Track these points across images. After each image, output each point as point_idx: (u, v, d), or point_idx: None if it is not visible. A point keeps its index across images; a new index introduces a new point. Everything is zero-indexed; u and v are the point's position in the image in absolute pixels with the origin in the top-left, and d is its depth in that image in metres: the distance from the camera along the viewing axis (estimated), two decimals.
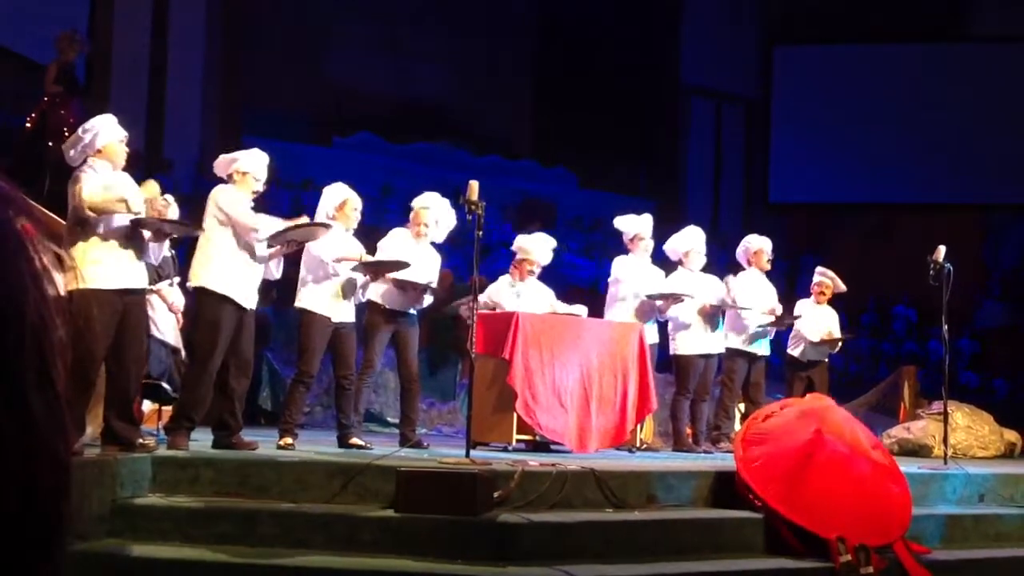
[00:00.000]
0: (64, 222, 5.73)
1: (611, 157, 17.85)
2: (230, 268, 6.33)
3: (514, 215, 15.51)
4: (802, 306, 9.49)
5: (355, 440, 7.03)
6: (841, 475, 6.27)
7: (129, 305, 5.80)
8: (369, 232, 7.88)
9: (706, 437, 8.85)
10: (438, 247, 7.80)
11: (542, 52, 19.00)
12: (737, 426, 8.48)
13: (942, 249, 7.95)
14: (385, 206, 13.46)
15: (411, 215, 7.70)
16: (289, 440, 6.77)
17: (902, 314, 17.20)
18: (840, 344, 9.74)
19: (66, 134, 7.30)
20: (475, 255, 6.54)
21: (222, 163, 6.66)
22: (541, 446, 7.76)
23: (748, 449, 6.38)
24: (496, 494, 5.49)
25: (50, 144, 9.14)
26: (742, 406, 9.11)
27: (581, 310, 8.42)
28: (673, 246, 8.98)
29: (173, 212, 7.10)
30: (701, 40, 18.63)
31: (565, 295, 9.05)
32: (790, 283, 12.61)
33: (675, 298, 8.56)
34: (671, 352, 8.91)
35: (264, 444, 6.58)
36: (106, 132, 5.91)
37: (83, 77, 11.28)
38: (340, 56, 17.20)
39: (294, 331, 7.50)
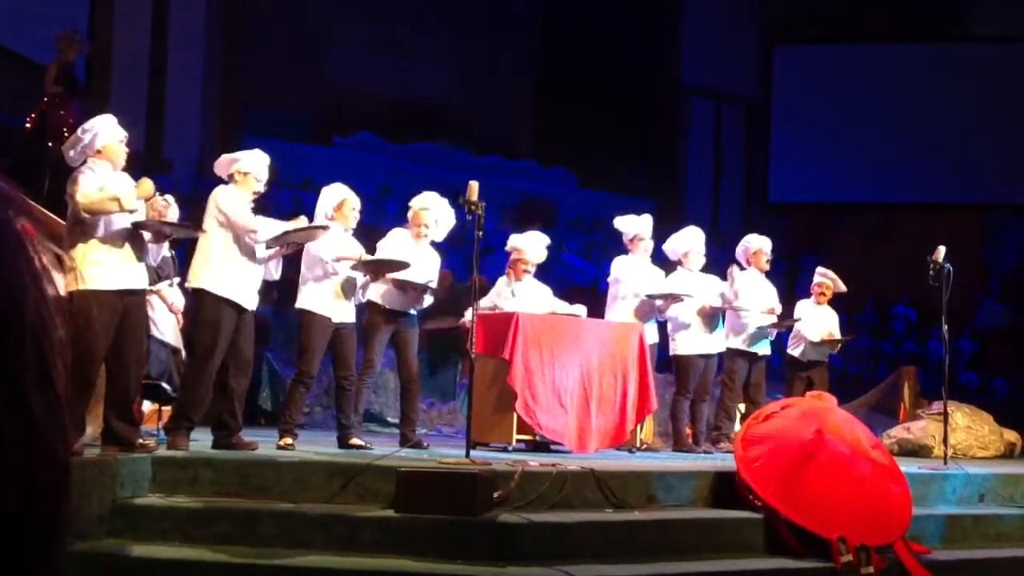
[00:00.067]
0: (64, 222, 5.73)
1: (611, 157, 17.84)
2: (230, 269, 6.33)
3: (514, 215, 15.50)
4: (802, 306, 9.49)
5: (355, 440, 7.03)
6: (841, 475, 6.27)
7: (129, 305, 5.80)
8: (369, 232, 7.89)
9: (706, 437, 8.85)
10: (438, 247, 7.80)
11: (542, 52, 18.99)
12: (737, 426, 8.48)
13: (942, 249, 7.95)
14: (385, 206, 13.45)
15: (410, 215, 7.70)
16: (289, 440, 6.77)
17: (902, 314, 17.20)
18: (840, 344, 9.75)
19: (66, 134, 7.30)
20: (475, 255, 6.54)
21: (223, 163, 6.66)
22: (541, 446, 7.76)
23: (748, 449, 6.38)
24: (496, 494, 5.49)
25: (50, 144, 9.14)
26: (742, 406, 9.11)
27: (581, 310, 8.42)
28: (673, 246, 8.99)
29: (173, 212, 7.10)
30: (701, 40, 18.62)
31: (565, 295, 9.05)
32: (790, 283, 12.60)
33: (674, 298, 8.56)
34: (671, 352, 8.91)
35: (264, 444, 6.58)
36: (106, 132, 5.91)
37: (83, 77, 11.28)
38: (340, 56, 17.20)
39: (294, 331, 7.51)
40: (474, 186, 6.42)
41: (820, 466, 6.25)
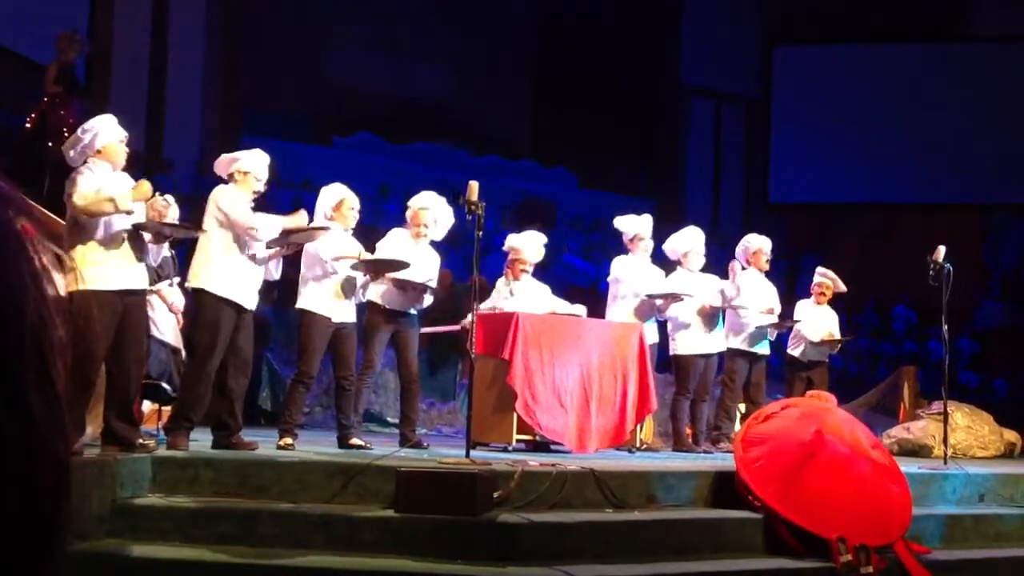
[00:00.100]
0: (64, 222, 5.73)
1: (611, 157, 17.84)
2: (230, 269, 6.33)
3: (514, 215, 15.50)
4: (802, 306, 9.49)
5: (355, 440, 7.03)
6: (841, 475, 6.27)
7: (129, 306, 5.80)
8: (368, 232, 7.89)
9: (706, 437, 8.85)
10: (437, 247, 7.80)
11: (542, 52, 18.99)
12: (737, 426, 8.48)
13: (942, 249, 7.95)
14: (384, 206, 13.46)
15: (409, 215, 7.69)
16: (289, 440, 6.77)
17: (902, 314, 17.20)
18: (840, 344, 9.75)
19: (66, 134, 7.30)
20: (475, 255, 6.54)
21: (223, 163, 6.66)
22: (541, 446, 7.76)
23: (748, 450, 6.38)
24: (496, 494, 5.49)
25: (50, 144, 9.14)
26: (743, 406, 9.11)
27: (580, 310, 8.42)
28: (672, 246, 8.99)
29: (173, 212, 7.10)
30: (701, 40, 18.63)
31: (565, 295, 9.05)
32: (790, 283, 12.60)
33: (675, 297, 8.56)
34: (671, 352, 8.91)
35: (264, 444, 6.58)
36: (106, 132, 5.91)
37: (83, 77, 11.28)
38: (340, 56, 17.20)
39: (294, 331, 7.51)
40: (474, 186, 6.42)
41: (820, 466, 6.24)
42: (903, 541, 6.06)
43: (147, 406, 7.16)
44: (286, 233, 6.59)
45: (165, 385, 6.88)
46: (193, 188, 11.61)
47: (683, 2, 18.87)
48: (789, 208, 18.62)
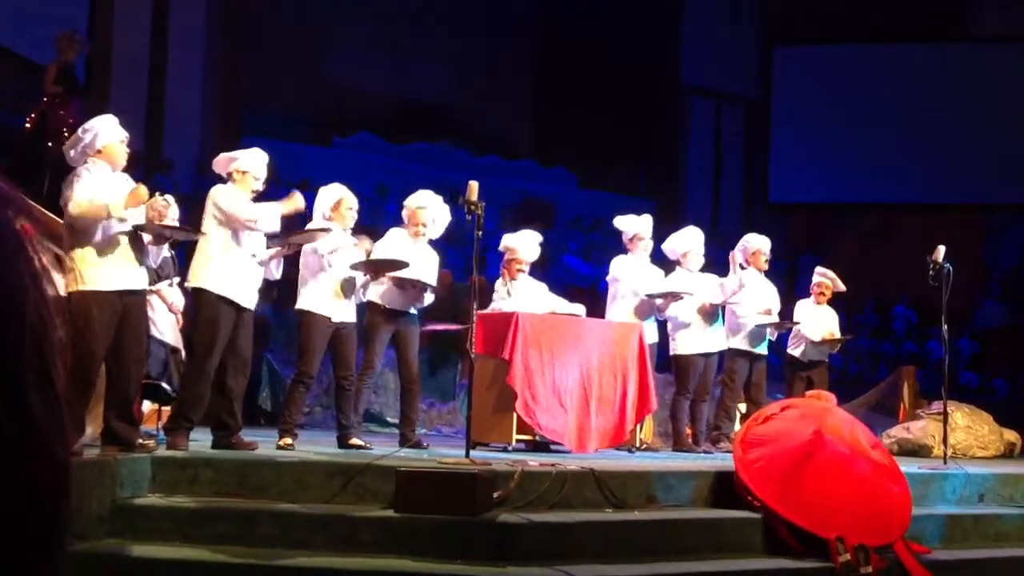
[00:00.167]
0: (63, 222, 5.73)
1: (611, 157, 17.84)
2: (229, 268, 6.34)
3: (514, 215, 15.50)
4: (802, 306, 9.49)
5: (355, 440, 7.03)
6: (841, 475, 6.27)
7: (129, 306, 5.80)
8: (368, 232, 7.89)
9: (706, 437, 8.85)
10: (436, 247, 7.80)
11: (542, 52, 18.99)
12: (737, 426, 8.48)
13: (942, 249, 7.95)
14: (384, 207, 13.45)
15: (407, 215, 7.68)
16: (289, 440, 6.77)
17: (902, 314, 17.20)
18: (841, 344, 9.75)
19: (66, 134, 7.30)
20: (475, 255, 6.54)
21: (221, 161, 6.67)
22: (541, 446, 7.76)
23: (747, 451, 6.38)
24: (496, 494, 5.49)
25: (50, 144, 9.14)
26: (743, 406, 9.11)
27: (580, 309, 8.42)
28: (672, 246, 8.99)
29: (173, 212, 7.09)
30: (701, 40, 18.63)
31: (565, 295, 9.05)
32: (790, 283, 12.60)
33: (675, 296, 8.56)
34: (671, 352, 8.91)
35: (264, 444, 6.58)
36: (106, 132, 5.91)
37: (83, 77, 11.28)
38: (340, 56, 17.20)
39: (294, 331, 7.51)
40: (474, 186, 6.43)
41: (819, 466, 6.24)
42: (903, 541, 6.06)
43: (147, 406, 7.16)
44: (287, 234, 6.60)
45: (165, 385, 6.88)
46: (193, 188, 11.60)
47: (683, 2, 18.87)
48: (789, 208, 18.62)
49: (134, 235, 5.86)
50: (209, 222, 6.39)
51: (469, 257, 7.87)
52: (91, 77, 12.74)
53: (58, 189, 6.05)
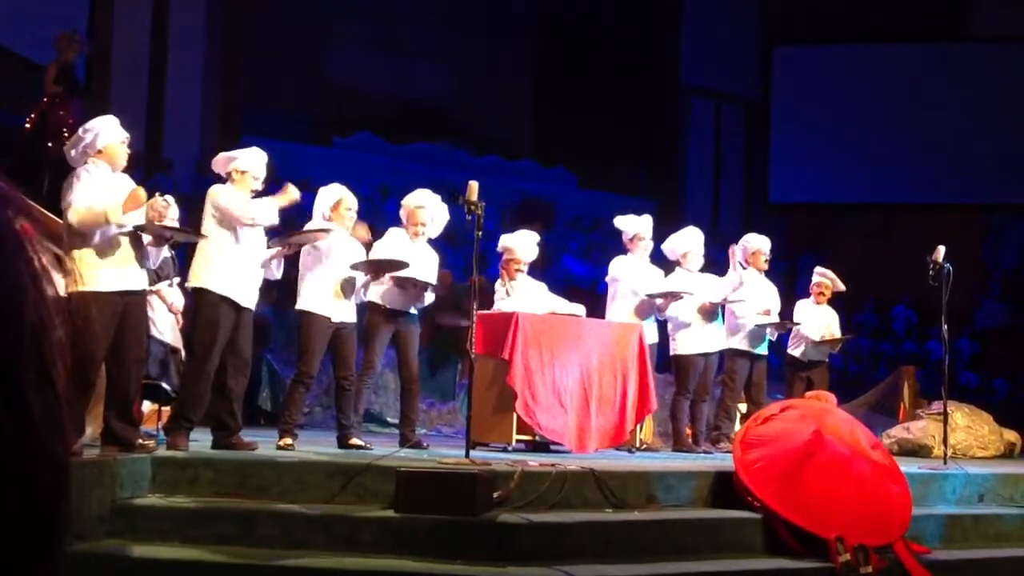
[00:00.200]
0: (63, 222, 5.73)
1: (611, 157, 17.84)
2: (228, 267, 6.34)
3: (514, 215, 15.50)
4: (802, 306, 9.49)
5: (355, 440, 7.03)
6: (841, 475, 6.27)
7: (129, 306, 5.80)
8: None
9: (706, 437, 8.85)
10: (435, 247, 7.80)
11: (542, 52, 18.99)
12: (737, 426, 8.48)
13: (942, 249, 7.95)
14: (384, 207, 13.45)
15: (405, 214, 7.68)
16: (289, 440, 6.77)
17: (902, 314, 17.20)
18: (841, 343, 9.74)
19: (66, 134, 7.30)
20: (475, 256, 6.54)
21: (221, 161, 6.68)
22: (541, 446, 7.76)
23: (747, 452, 6.38)
24: (496, 494, 5.49)
25: (50, 144, 9.14)
26: (743, 406, 9.11)
27: (579, 309, 8.42)
28: (671, 246, 8.99)
29: (173, 212, 7.09)
30: (701, 40, 18.62)
31: (565, 295, 9.05)
32: (790, 283, 12.60)
33: (675, 296, 8.56)
34: (671, 352, 8.91)
35: (264, 444, 6.58)
36: (107, 133, 5.91)
37: (83, 77, 11.28)
38: (340, 56, 17.19)
39: (294, 331, 7.51)
40: (474, 186, 6.43)
41: (819, 466, 6.24)
42: (903, 541, 6.06)
43: (147, 406, 7.16)
44: (287, 234, 6.60)
45: (165, 385, 6.88)
46: (193, 188, 11.59)
47: (683, 2, 18.87)
48: (789, 208, 18.61)
49: (134, 235, 5.86)
50: (208, 222, 6.39)
51: (469, 257, 7.86)
52: (91, 77, 12.74)
53: (58, 189, 6.05)
